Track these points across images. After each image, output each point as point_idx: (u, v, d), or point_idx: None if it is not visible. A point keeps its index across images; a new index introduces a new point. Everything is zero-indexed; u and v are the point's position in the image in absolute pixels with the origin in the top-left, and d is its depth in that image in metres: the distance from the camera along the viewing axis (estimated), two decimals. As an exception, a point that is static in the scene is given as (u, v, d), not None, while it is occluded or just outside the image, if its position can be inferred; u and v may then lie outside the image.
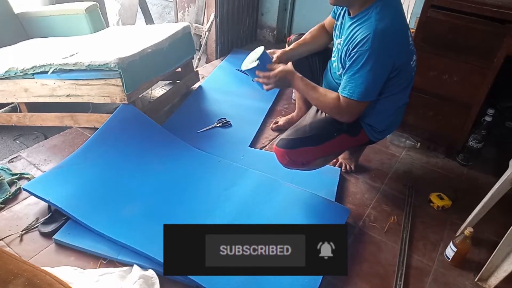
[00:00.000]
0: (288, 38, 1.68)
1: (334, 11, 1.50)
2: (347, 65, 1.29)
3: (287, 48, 1.60)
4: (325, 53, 1.62)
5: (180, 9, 3.05)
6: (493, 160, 1.97)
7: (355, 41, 1.25)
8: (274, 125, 2.06)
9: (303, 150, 1.41)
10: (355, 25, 1.29)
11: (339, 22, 1.43)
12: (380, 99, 1.38)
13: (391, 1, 1.28)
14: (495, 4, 1.54)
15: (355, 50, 1.25)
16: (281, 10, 3.12)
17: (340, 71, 1.39)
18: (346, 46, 1.31)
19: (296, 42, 1.62)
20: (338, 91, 1.33)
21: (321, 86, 1.54)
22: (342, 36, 1.37)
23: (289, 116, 2.05)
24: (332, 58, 1.49)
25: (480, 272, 1.29)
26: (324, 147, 1.44)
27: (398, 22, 1.28)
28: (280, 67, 1.39)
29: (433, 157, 1.96)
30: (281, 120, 2.05)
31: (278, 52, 1.55)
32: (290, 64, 1.53)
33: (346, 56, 1.30)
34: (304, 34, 1.65)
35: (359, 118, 1.41)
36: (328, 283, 1.25)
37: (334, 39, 1.48)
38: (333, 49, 1.49)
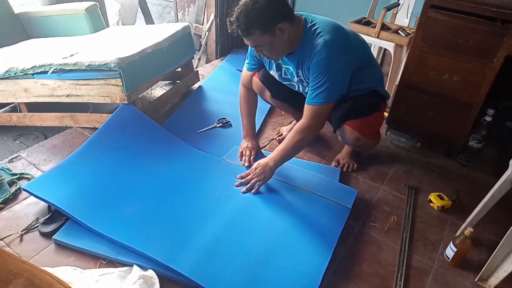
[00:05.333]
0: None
1: (251, 65, 1.68)
2: (312, 77, 1.41)
3: (251, 140, 1.77)
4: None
5: (180, 9, 3.05)
6: (493, 160, 1.97)
7: (312, 57, 1.38)
8: (280, 138, 1.98)
9: (364, 119, 1.55)
10: (301, 55, 1.43)
11: (280, 71, 1.59)
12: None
13: (312, 25, 1.40)
14: (495, 4, 1.54)
15: (314, 62, 1.38)
16: (281, 10, 3.12)
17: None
18: (307, 68, 1.44)
19: (245, 125, 1.79)
20: (306, 102, 1.45)
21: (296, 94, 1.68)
22: (299, 71, 1.50)
23: (292, 126, 2.00)
24: (301, 90, 1.61)
25: (480, 272, 1.29)
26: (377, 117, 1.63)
27: (334, 27, 1.41)
28: (260, 163, 1.53)
29: (433, 157, 1.96)
30: (285, 131, 1.99)
31: (253, 152, 1.74)
32: (263, 160, 1.56)
33: (309, 73, 1.43)
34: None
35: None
36: (328, 283, 1.25)
37: (288, 81, 1.61)
38: (295, 84, 1.61)
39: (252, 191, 1.54)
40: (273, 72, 1.63)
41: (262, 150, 1.87)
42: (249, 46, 1.59)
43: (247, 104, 1.77)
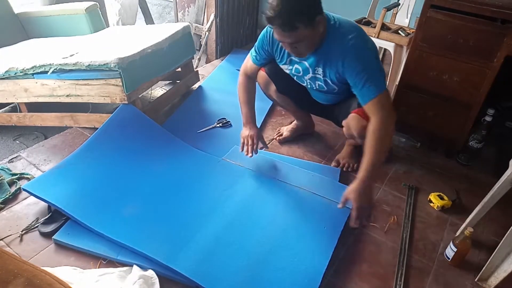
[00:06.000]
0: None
1: (257, 58, 1.64)
2: (353, 79, 1.39)
3: (252, 127, 1.69)
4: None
5: (180, 9, 3.05)
6: (493, 160, 1.97)
7: (343, 62, 1.38)
8: (280, 138, 1.95)
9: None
10: (324, 54, 1.42)
11: (292, 67, 1.56)
12: None
13: (336, 24, 1.40)
14: (495, 4, 1.54)
15: (348, 65, 1.37)
16: (281, 10, 3.12)
17: (335, 89, 1.54)
18: (334, 72, 1.44)
19: (245, 113, 1.71)
20: (362, 104, 1.39)
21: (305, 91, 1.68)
22: (317, 69, 1.48)
23: (292, 125, 1.99)
24: (309, 87, 1.62)
25: (480, 272, 1.29)
26: None
27: (356, 27, 1.43)
28: (350, 194, 1.31)
29: (433, 157, 1.95)
30: (285, 131, 1.97)
31: (260, 142, 1.71)
32: (351, 187, 1.33)
33: (342, 76, 1.43)
34: None
35: None
36: (328, 283, 1.25)
37: (299, 77, 1.59)
38: (304, 80, 1.59)
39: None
40: (284, 66, 1.59)
41: (262, 150, 1.85)
42: (260, 41, 1.57)
43: (246, 91, 1.71)
